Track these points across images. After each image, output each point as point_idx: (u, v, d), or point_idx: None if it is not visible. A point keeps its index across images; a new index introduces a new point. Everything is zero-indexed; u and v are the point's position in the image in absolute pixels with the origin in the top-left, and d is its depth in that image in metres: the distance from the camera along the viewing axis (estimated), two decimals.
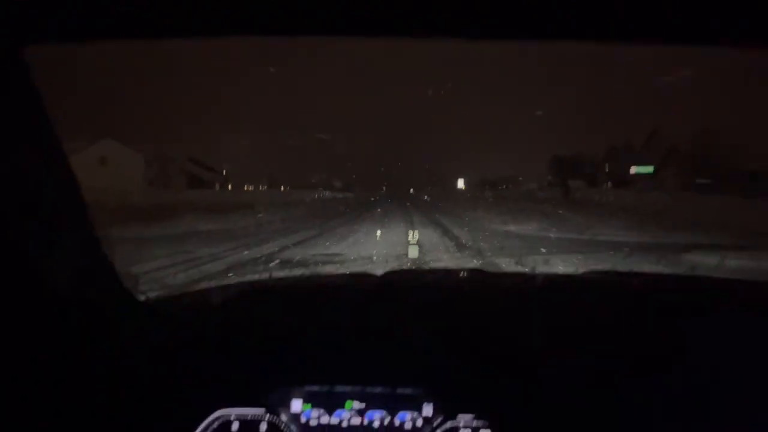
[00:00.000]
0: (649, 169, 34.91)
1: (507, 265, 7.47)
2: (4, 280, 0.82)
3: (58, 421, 0.88)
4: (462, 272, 1.32)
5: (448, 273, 1.37)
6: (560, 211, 18.05)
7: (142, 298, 1.15)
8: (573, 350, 0.98)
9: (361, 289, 1.19)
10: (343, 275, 1.00)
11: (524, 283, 1.32)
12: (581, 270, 1.26)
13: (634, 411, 0.89)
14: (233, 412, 1.00)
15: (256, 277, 6.04)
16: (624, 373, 0.93)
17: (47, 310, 0.88)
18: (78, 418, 0.89)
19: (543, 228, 13.28)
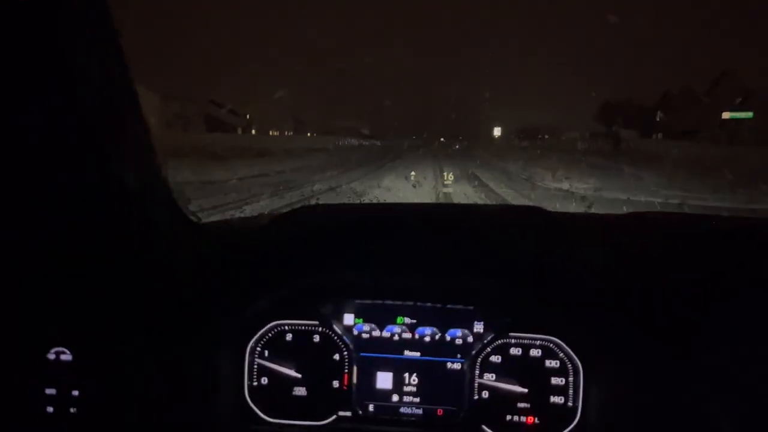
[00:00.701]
0: (749, 114, 29.82)
1: None
2: (74, 204, 0.90)
3: (124, 329, 0.97)
4: (517, 209, 1.34)
5: (504, 208, 1.40)
6: (625, 168, 15.23)
7: (194, 219, 1.22)
8: (627, 273, 1.00)
9: (413, 212, 1.23)
10: (395, 203, 1.02)
11: (584, 219, 1.34)
12: None
13: (696, 332, 0.92)
14: (288, 323, 1.09)
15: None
16: (686, 295, 0.95)
17: (107, 226, 0.96)
18: (141, 329, 0.98)
19: (610, 188, 11.35)
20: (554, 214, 1.19)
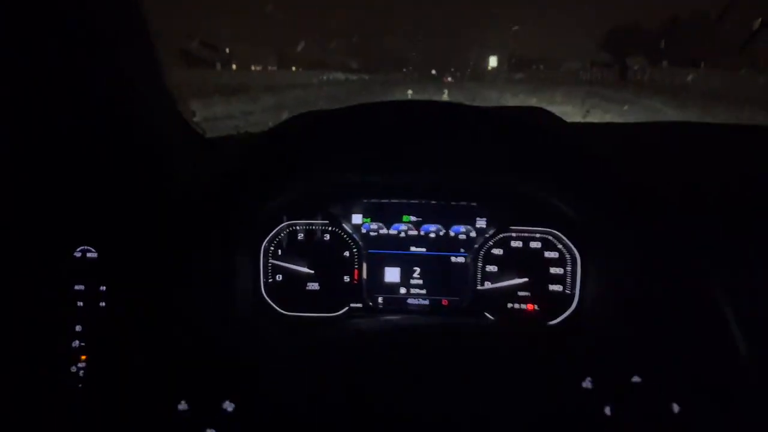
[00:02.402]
0: None
1: None
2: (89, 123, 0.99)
3: (144, 231, 1.08)
4: (523, 109, 1.41)
5: (507, 108, 1.44)
6: (644, 100, 13.95)
7: (200, 131, 1.31)
8: (626, 168, 1.10)
9: (416, 110, 1.31)
10: (397, 100, 1.08)
11: (589, 124, 1.42)
12: None
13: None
14: (299, 223, 1.20)
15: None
16: (683, 190, 1.05)
17: (119, 133, 1.05)
18: (160, 231, 1.08)
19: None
20: (557, 116, 1.27)
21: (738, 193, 1.05)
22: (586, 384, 0.75)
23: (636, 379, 0.75)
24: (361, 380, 0.81)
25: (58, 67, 0.93)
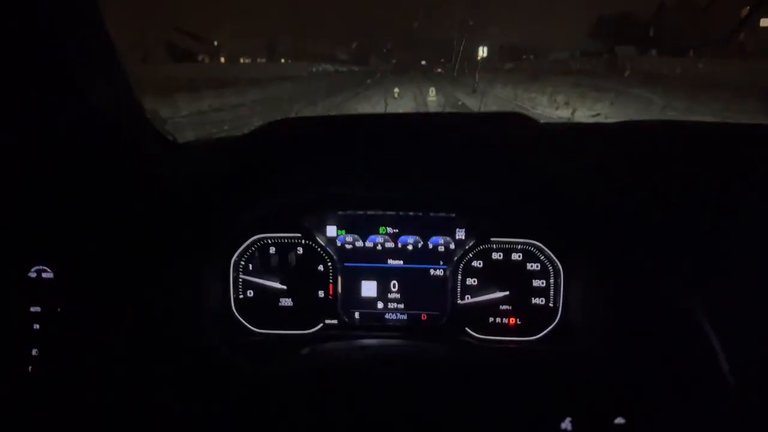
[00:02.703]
0: None
1: None
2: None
3: (105, 243, 1.02)
4: (500, 116, 1.37)
5: (485, 115, 1.42)
6: (634, 90, 13.31)
7: (170, 138, 1.25)
8: (607, 176, 1.06)
9: (392, 121, 1.26)
10: (373, 114, 1.03)
11: (567, 126, 1.38)
12: None
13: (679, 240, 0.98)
14: (270, 236, 1.15)
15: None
16: (668, 204, 1.02)
17: (83, 146, 0.99)
18: (122, 246, 1.03)
19: (620, 115, 10.09)
20: (536, 120, 1.23)
21: (724, 198, 1.01)
22: (566, 425, 0.70)
23: (620, 420, 0.71)
24: (333, 413, 0.77)
25: (16, 75, 0.87)
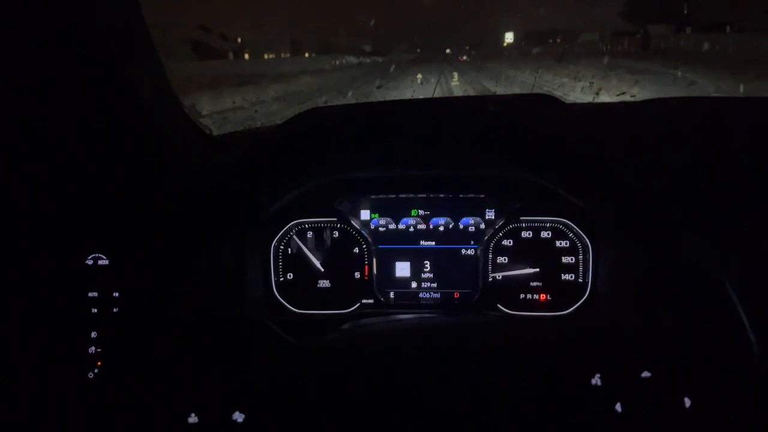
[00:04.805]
0: None
1: None
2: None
3: (153, 233, 1.11)
4: (526, 97, 1.41)
5: (513, 96, 1.45)
6: (672, 71, 12.39)
7: (207, 131, 1.33)
8: (634, 153, 1.09)
9: (420, 106, 1.31)
10: (402, 99, 1.08)
11: (595, 106, 1.41)
12: None
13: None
14: (307, 221, 1.22)
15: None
16: (694, 176, 1.04)
17: (127, 140, 1.07)
18: (170, 234, 1.11)
19: None
20: (561, 101, 1.26)
21: (751, 169, 1.03)
22: (596, 381, 0.75)
23: (646, 374, 0.75)
24: (374, 382, 0.82)
25: (59, 71, 0.95)
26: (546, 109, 1.20)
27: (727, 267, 0.91)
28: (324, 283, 1.22)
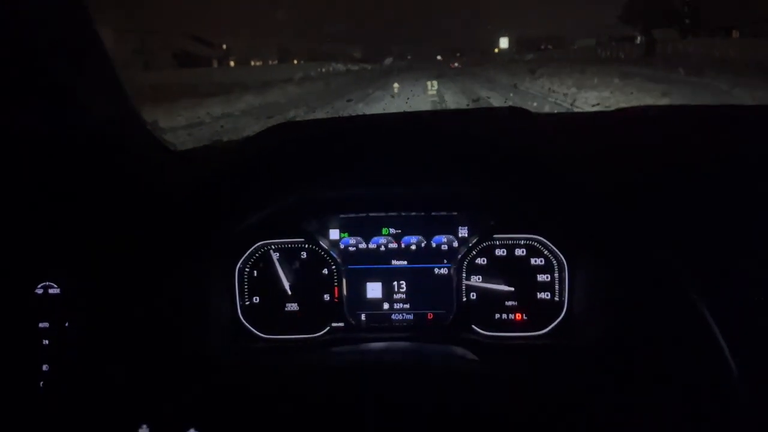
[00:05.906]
0: None
1: None
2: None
3: (109, 256, 1.07)
4: (496, 110, 1.39)
5: (484, 110, 1.44)
6: (694, 78, 11.45)
7: (171, 147, 1.29)
8: (608, 167, 1.07)
9: (390, 121, 1.29)
10: (371, 114, 1.06)
11: (567, 117, 1.39)
12: None
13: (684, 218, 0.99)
14: (273, 242, 1.18)
15: None
16: (665, 185, 1.02)
17: (84, 160, 1.03)
18: (125, 259, 1.07)
19: None
20: (536, 113, 1.24)
21: (725, 185, 1.01)
22: (575, 402, 0.73)
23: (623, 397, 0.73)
24: (341, 410, 0.79)
25: (9, 89, 0.92)
26: (515, 122, 1.17)
27: (703, 289, 0.89)
28: (292, 306, 1.18)
